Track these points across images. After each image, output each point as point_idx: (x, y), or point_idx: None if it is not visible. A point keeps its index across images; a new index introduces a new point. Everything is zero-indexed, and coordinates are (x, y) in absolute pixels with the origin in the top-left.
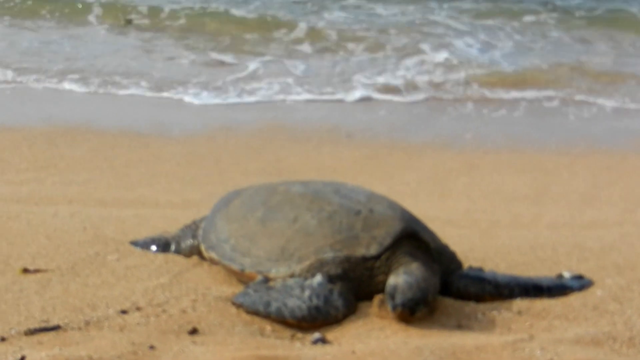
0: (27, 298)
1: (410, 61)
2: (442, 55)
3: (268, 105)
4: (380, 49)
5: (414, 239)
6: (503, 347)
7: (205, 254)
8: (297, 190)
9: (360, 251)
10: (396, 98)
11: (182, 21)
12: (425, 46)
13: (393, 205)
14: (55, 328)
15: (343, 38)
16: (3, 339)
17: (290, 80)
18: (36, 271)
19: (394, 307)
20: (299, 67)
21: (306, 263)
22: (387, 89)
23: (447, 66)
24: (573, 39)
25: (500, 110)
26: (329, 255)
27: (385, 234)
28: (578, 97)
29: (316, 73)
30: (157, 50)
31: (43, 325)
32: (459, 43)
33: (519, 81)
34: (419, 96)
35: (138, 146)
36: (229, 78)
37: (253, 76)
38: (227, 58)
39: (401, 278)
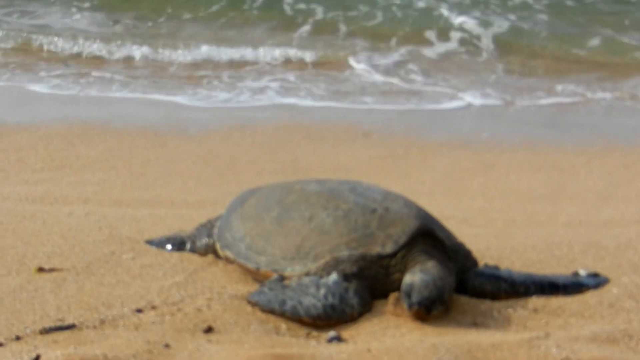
0: (42, 297)
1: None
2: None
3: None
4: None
5: (429, 237)
6: (519, 344)
7: (220, 252)
8: (313, 188)
9: (376, 249)
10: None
11: None
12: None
13: (409, 204)
14: (71, 327)
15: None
16: (18, 338)
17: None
18: (51, 270)
19: (411, 306)
20: None
21: (322, 261)
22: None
23: None
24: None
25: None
26: (344, 253)
27: (401, 232)
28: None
29: None
30: None
31: (58, 324)
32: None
33: None
34: None
35: (154, 146)
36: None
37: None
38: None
39: (417, 276)
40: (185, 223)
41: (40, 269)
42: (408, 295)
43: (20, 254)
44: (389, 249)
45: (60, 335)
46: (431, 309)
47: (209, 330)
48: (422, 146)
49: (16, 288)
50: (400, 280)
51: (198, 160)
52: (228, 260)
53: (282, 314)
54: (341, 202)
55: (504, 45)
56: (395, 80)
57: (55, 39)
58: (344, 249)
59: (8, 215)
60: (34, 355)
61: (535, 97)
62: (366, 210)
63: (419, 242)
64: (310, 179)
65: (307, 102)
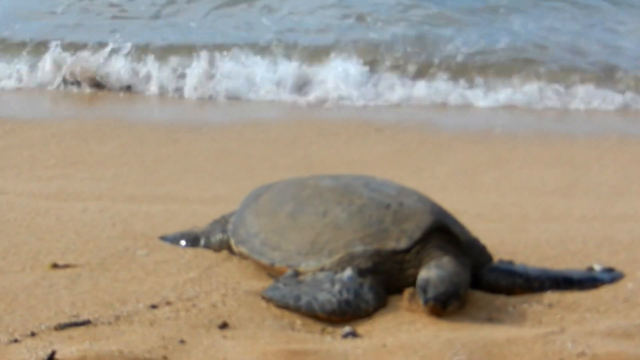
0: (56, 293)
1: None
2: None
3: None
4: None
5: (444, 232)
6: (534, 340)
7: (234, 248)
8: (327, 184)
9: (391, 245)
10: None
11: None
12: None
13: (423, 199)
14: (86, 323)
15: None
16: (33, 334)
17: None
18: (66, 266)
19: (426, 301)
20: None
21: (336, 257)
22: None
23: None
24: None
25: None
26: (359, 248)
27: (415, 227)
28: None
29: None
30: None
31: (73, 320)
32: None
33: None
34: None
35: (167, 142)
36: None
37: None
38: None
39: (433, 272)
40: (199, 219)
41: (55, 265)
42: (424, 290)
43: (34, 250)
44: (403, 244)
45: (75, 331)
46: (447, 305)
47: (224, 326)
48: (435, 141)
49: (31, 284)
50: (414, 276)
51: (212, 156)
52: (242, 256)
53: (297, 310)
54: (355, 198)
55: None
56: None
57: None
58: (359, 244)
59: (22, 212)
60: (49, 351)
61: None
62: (380, 206)
63: (434, 238)
64: (324, 175)
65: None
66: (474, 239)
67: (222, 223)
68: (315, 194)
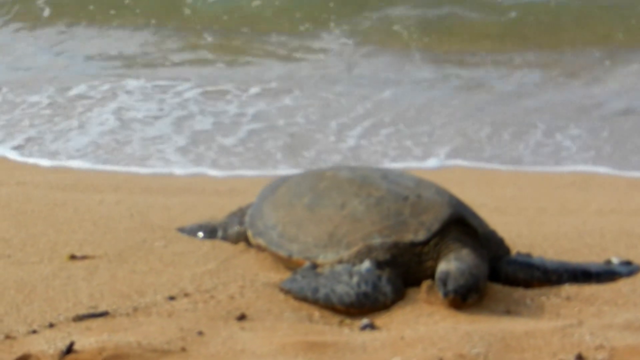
0: (74, 284)
1: None
2: None
3: None
4: None
5: (462, 225)
6: (552, 332)
7: (252, 240)
8: (345, 175)
9: (409, 237)
10: None
11: None
12: None
13: (441, 191)
14: (104, 314)
15: None
16: (51, 325)
17: None
18: (83, 258)
19: (446, 294)
20: None
21: (354, 249)
22: None
23: None
24: None
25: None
26: (377, 241)
27: (433, 219)
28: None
29: None
30: None
31: (91, 311)
32: None
33: None
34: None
35: None
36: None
37: None
38: None
39: (453, 264)
40: (216, 211)
41: (73, 257)
42: (444, 283)
43: (52, 241)
44: (421, 236)
45: (93, 323)
46: (467, 297)
47: (242, 317)
48: None
49: (49, 275)
50: (433, 268)
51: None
52: (260, 248)
53: (315, 302)
54: (373, 190)
55: None
56: None
57: None
58: (377, 236)
59: (39, 203)
60: (68, 342)
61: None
62: (398, 198)
63: (452, 230)
64: (342, 166)
65: None
66: (492, 231)
67: (239, 215)
68: (333, 185)
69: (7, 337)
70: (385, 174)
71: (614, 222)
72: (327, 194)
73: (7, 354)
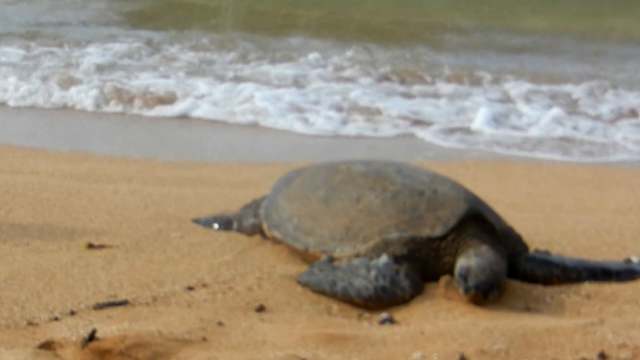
0: (93, 273)
1: None
2: None
3: None
4: None
5: (479, 221)
6: (574, 330)
7: (267, 232)
8: (359, 169)
9: (425, 232)
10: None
11: None
12: None
13: (457, 186)
14: (124, 303)
15: None
16: (73, 313)
17: None
18: (101, 247)
19: (467, 290)
20: None
21: (371, 243)
22: None
23: None
24: None
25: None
26: (394, 235)
27: (450, 214)
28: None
29: None
30: None
31: (111, 300)
32: None
33: None
34: None
35: None
36: None
37: None
38: None
39: (473, 260)
40: (230, 202)
41: (90, 246)
42: (464, 279)
43: (69, 229)
44: (438, 231)
45: (113, 311)
46: (488, 294)
47: (261, 309)
48: None
49: (68, 263)
50: (451, 264)
51: None
52: (275, 241)
53: (333, 295)
54: (388, 184)
55: None
56: None
57: None
58: (394, 230)
59: (55, 192)
60: (90, 329)
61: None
62: (414, 192)
63: (469, 226)
64: (355, 160)
65: None
66: (509, 227)
67: (253, 207)
68: (348, 179)
69: (30, 323)
70: (400, 168)
71: (632, 220)
72: (342, 188)
73: (30, 339)
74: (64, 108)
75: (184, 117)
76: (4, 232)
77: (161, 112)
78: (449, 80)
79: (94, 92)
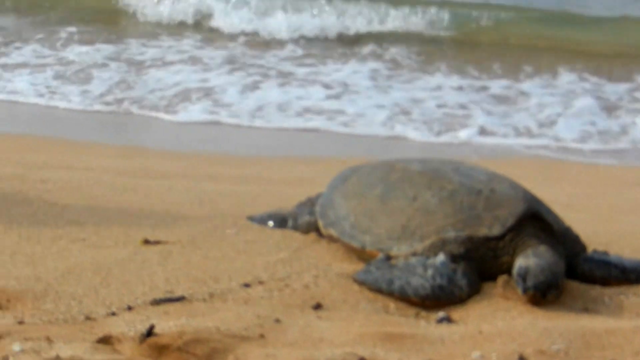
0: (150, 269)
1: None
2: None
3: None
4: None
5: (537, 220)
6: (633, 331)
7: (323, 230)
8: (416, 168)
9: (483, 231)
10: None
11: None
12: None
13: (515, 186)
14: (180, 299)
15: None
16: (130, 308)
17: None
18: (157, 243)
19: (526, 290)
20: None
21: (428, 242)
22: None
23: None
24: None
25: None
26: (451, 234)
27: (508, 214)
28: None
29: None
30: None
31: (168, 295)
32: None
33: None
34: None
35: None
36: None
37: None
38: None
39: (532, 260)
40: (284, 200)
41: (146, 241)
42: (523, 279)
43: (125, 225)
44: (496, 231)
45: (170, 307)
46: (547, 294)
47: (318, 306)
48: None
49: (124, 259)
50: (508, 263)
51: None
52: (331, 239)
53: (390, 294)
54: (445, 183)
55: None
56: None
57: None
58: (451, 229)
59: (109, 188)
60: (147, 325)
61: None
62: (471, 191)
63: (527, 225)
64: (412, 158)
65: None
66: (567, 227)
67: (308, 205)
68: (405, 177)
69: (87, 318)
70: (457, 167)
71: None
72: (398, 186)
73: (88, 334)
74: None
75: None
76: (60, 227)
77: None
78: None
79: None
